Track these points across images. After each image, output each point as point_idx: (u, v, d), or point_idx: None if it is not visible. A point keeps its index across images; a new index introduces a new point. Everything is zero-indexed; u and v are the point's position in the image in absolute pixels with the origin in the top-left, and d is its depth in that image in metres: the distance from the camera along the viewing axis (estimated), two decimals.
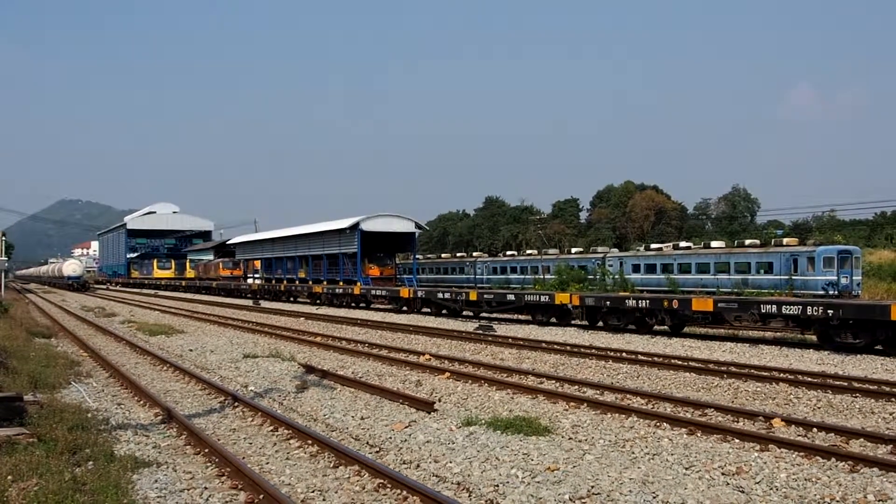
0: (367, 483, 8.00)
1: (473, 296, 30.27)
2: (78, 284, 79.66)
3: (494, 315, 30.78)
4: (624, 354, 17.97)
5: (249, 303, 47.60)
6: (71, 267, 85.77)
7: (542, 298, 26.82)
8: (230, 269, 69.70)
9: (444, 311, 32.92)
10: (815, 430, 10.18)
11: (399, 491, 7.60)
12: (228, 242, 76.00)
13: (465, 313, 31.86)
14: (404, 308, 35.76)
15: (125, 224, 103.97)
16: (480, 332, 24.00)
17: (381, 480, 7.94)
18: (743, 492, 7.59)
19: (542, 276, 50.21)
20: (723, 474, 8.16)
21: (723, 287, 38.49)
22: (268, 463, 8.98)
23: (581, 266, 48.08)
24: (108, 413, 11.63)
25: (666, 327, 23.28)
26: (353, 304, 41.72)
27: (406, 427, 10.58)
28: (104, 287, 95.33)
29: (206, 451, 9.22)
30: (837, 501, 7.33)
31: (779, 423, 10.51)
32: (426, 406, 11.82)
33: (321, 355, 19.23)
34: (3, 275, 50.26)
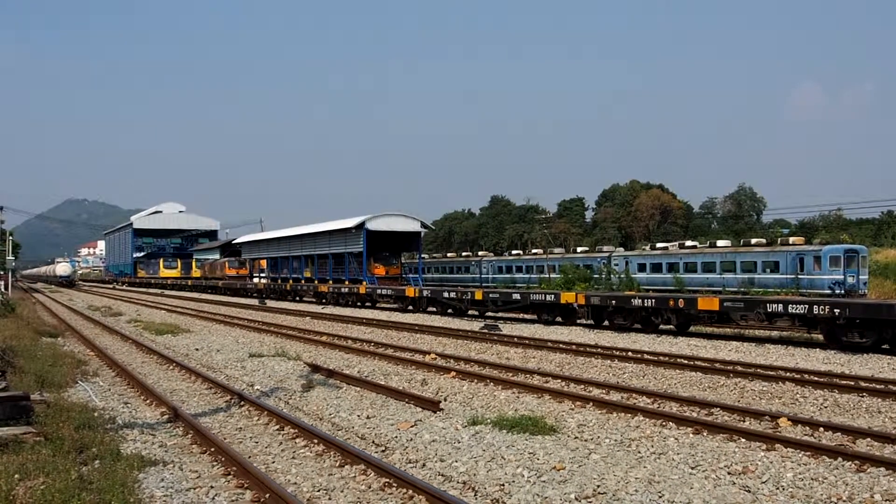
0: (373, 482, 8.00)
1: (479, 295, 30.26)
2: (67, 282, 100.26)
3: (500, 314, 30.78)
4: (629, 354, 17.94)
5: (255, 302, 47.68)
6: (62, 268, 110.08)
7: (548, 298, 26.80)
8: (236, 268, 69.84)
9: (449, 311, 32.92)
10: (821, 429, 10.15)
11: (405, 490, 7.61)
12: (234, 242, 76.13)
13: (470, 312, 31.85)
14: (410, 307, 35.78)
15: (131, 223, 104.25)
16: (486, 331, 23.99)
17: (387, 479, 7.94)
18: (749, 491, 7.57)
19: (547, 276, 50.19)
20: (729, 474, 8.14)
21: (729, 286, 38.40)
22: (274, 462, 9.00)
23: (586, 265, 48.05)
24: (115, 412, 11.67)
25: (672, 326, 23.24)
26: (358, 304, 41.75)
27: (412, 426, 10.58)
28: (110, 286, 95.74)
29: (213, 449, 9.23)
30: (844, 501, 7.30)
31: (785, 422, 10.48)
32: (432, 405, 11.82)
33: (327, 354, 19.25)
34: (10, 274, 50.51)
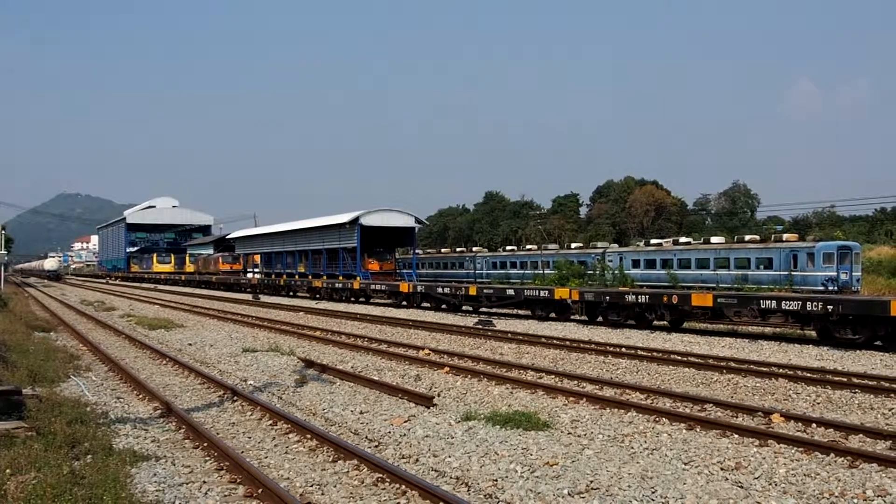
0: (366, 477, 7.99)
1: (473, 291, 30.26)
2: (54, 276, 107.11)
3: (494, 310, 30.76)
4: (623, 349, 17.97)
5: (249, 297, 47.56)
6: (49, 263, 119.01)
7: (542, 293, 26.80)
8: (230, 263, 69.70)
9: (443, 306, 32.90)
10: (814, 425, 10.18)
11: (398, 485, 7.60)
12: (228, 237, 76.00)
13: (464, 308, 31.84)
14: (404, 303, 35.76)
15: (125, 218, 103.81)
16: (480, 326, 23.98)
17: (380, 475, 7.93)
18: (742, 487, 7.58)
19: (541, 272, 50.20)
20: (722, 469, 8.16)
21: (722, 282, 38.49)
22: (267, 457, 8.98)
23: (581, 261, 48.08)
24: (108, 407, 11.64)
25: (665, 323, 23.27)
26: (352, 299, 41.73)
27: (405, 421, 10.57)
28: (103, 281, 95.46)
29: (205, 445, 9.22)
30: (836, 497, 7.32)
31: (778, 418, 10.50)
32: (425, 401, 11.82)
33: (320, 350, 19.22)
34: (2, 268, 50.31)
